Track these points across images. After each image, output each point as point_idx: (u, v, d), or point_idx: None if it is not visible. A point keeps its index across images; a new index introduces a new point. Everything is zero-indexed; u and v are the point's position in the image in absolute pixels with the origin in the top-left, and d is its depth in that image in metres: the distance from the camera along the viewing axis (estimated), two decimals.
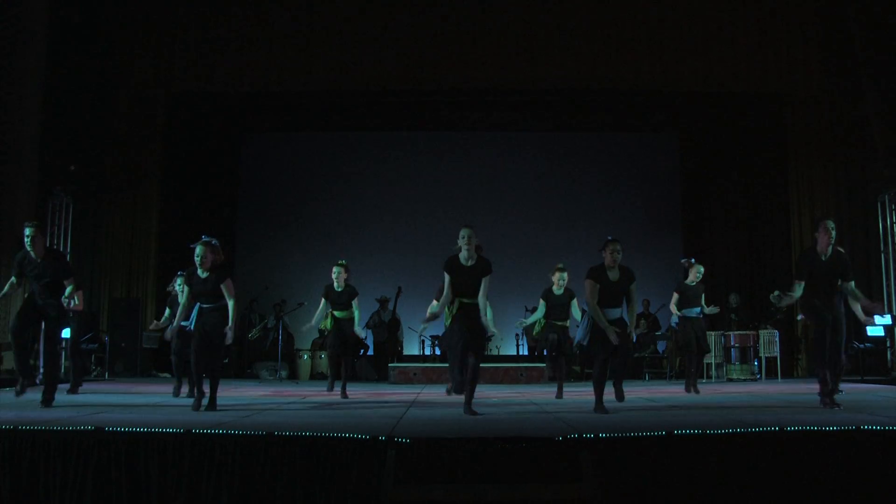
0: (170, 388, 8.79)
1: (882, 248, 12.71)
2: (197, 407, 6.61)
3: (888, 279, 12.57)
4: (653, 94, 14.19)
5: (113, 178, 13.55)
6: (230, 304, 6.63)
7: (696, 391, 8.94)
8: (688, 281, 9.23)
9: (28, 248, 6.75)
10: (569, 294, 8.59)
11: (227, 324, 6.59)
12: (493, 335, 9.24)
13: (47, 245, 7.06)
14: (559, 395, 8.55)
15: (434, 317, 6.76)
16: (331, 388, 8.84)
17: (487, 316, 6.67)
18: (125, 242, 13.61)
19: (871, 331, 12.23)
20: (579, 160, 15.70)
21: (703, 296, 9.37)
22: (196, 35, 13.20)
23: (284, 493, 4.47)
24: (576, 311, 8.54)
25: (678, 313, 9.29)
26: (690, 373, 9.24)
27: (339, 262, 8.81)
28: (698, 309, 9.29)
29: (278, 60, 13.18)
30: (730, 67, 13.16)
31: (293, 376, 13.55)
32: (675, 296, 9.32)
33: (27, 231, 6.74)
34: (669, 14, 13.20)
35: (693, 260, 9.46)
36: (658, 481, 4.47)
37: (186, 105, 14.18)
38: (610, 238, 6.51)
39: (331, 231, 15.24)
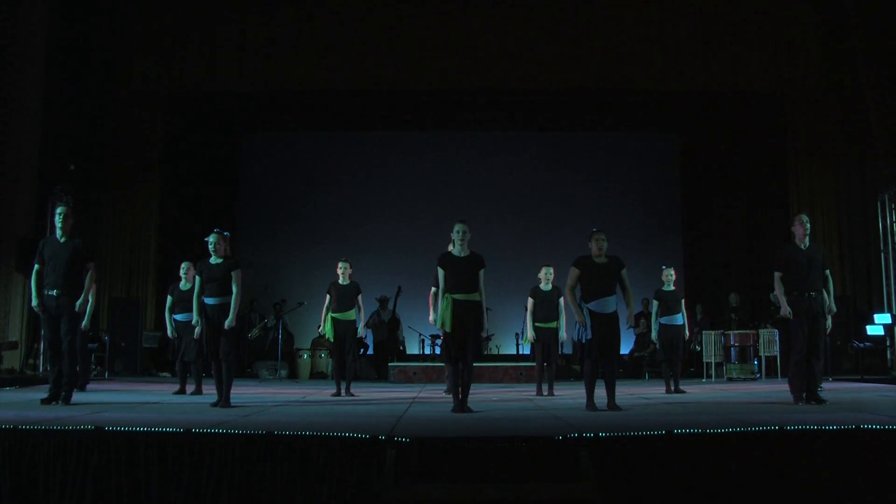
0: (170, 388, 8.80)
1: (882, 248, 12.71)
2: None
3: (888, 279, 12.56)
4: (653, 94, 14.18)
5: (113, 178, 13.55)
6: (234, 293, 6.88)
7: (678, 391, 8.92)
8: (664, 287, 9.26)
9: (57, 226, 6.92)
10: (556, 291, 8.78)
11: (229, 315, 6.82)
12: (492, 335, 9.31)
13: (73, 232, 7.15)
14: (550, 392, 8.79)
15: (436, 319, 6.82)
16: (338, 393, 8.86)
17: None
18: (125, 242, 13.61)
19: (871, 330, 12.24)
20: (579, 160, 15.70)
21: (682, 301, 9.38)
22: (196, 35, 13.21)
23: (284, 493, 4.46)
24: (562, 308, 8.79)
25: (660, 321, 9.27)
26: (668, 376, 9.23)
27: (344, 259, 9.02)
28: (679, 316, 9.27)
29: (278, 60, 13.19)
30: (730, 67, 13.16)
31: (293, 376, 13.54)
32: (655, 303, 9.38)
33: (59, 209, 6.98)
34: (670, 14, 13.21)
35: (664, 266, 9.47)
36: (658, 481, 4.47)
37: (186, 105, 14.18)
38: (594, 229, 6.66)
39: (330, 231, 15.24)
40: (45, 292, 6.86)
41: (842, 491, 4.49)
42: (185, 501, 4.50)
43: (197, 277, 7.00)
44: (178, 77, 13.33)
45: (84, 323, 7.94)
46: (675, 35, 13.16)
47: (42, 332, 7.16)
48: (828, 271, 7.13)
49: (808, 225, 7.07)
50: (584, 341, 6.53)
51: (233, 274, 6.93)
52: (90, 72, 13.09)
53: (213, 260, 6.98)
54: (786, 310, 6.97)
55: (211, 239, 6.99)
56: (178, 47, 13.26)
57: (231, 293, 6.89)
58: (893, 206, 12.44)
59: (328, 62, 13.18)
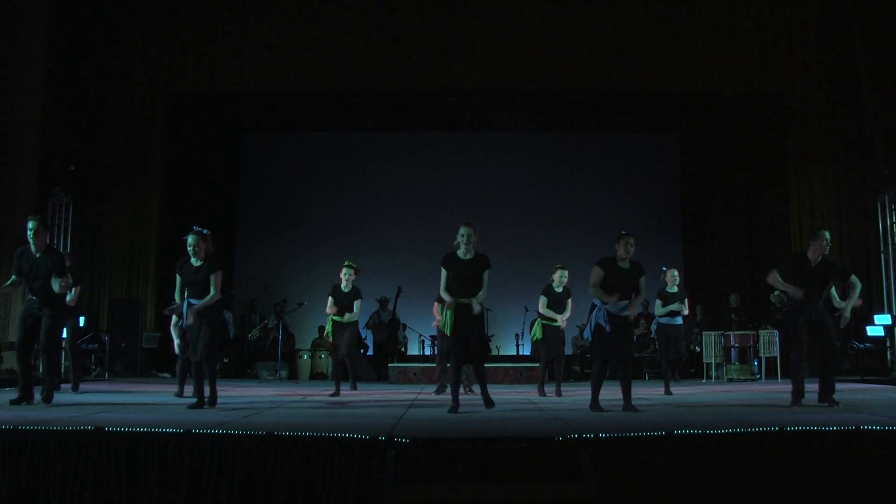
0: (169, 388, 8.80)
1: (882, 248, 12.71)
2: (200, 406, 6.65)
3: (888, 279, 12.56)
4: (653, 95, 14.18)
5: (113, 178, 13.54)
6: (210, 293, 6.59)
7: (668, 392, 8.94)
8: (668, 288, 9.30)
9: (30, 241, 6.75)
10: (567, 292, 8.93)
11: (205, 308, 6.55)
12: (492, 335, 9.35)
13: (49, 243, 7.03)
14: (557, 391, 8.84)
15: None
16: (336, 393, 8.83)
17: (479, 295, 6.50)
18: (125, 242, 13.60)
19: (871, 331, 12.23)
20: (579, 160, 15.70)
21: (684, 301, 9.43)
22: (195, 35, 13.21)
23: (284, 493, 4.46)
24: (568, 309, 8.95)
25: (658, 320, 9.36)
26: (666, 375, 9.26)
27: (348, 263, 8.86)
28: (679, 318, 9.34)
29: (277, 60, 13.19)
30: (730, 68, 13.16)
31: (293, 376, 13.54)
32: (658, 301, 9.43)
33: (30, 224, 6.74)
34: (669, 14, 13.20)
35: (665, 268, 9.53)
36: (658, 481, 4.47)
37: (186, 105, 14.17)
38: (624, 232, 6.68)
39: (331, 231, 15.24)
40: (28, 296, 6.86)
41: (842, 491, 4.49)
42: (185, 501, 4.50)
43: (178, 277, 6.74)
44: (178, 77, 13.33)
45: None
46: (674, 35, 13.17)
47: (17, 333, 7.02)
48: (853, 278, 6.95)
49: (828, 246, 6.91)
50: (600, 325, 6.51)
51: (212, 277, 6.58)
52: (90, 72, 13.09)
53: (194, 262, 6.65)
54: (792, 290, 6.81)
55: (189, 240, 6.62)
56: (178, 47, 13.26)
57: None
58: (893, 206, 12.43)
59: (328, 62, 13.18)
